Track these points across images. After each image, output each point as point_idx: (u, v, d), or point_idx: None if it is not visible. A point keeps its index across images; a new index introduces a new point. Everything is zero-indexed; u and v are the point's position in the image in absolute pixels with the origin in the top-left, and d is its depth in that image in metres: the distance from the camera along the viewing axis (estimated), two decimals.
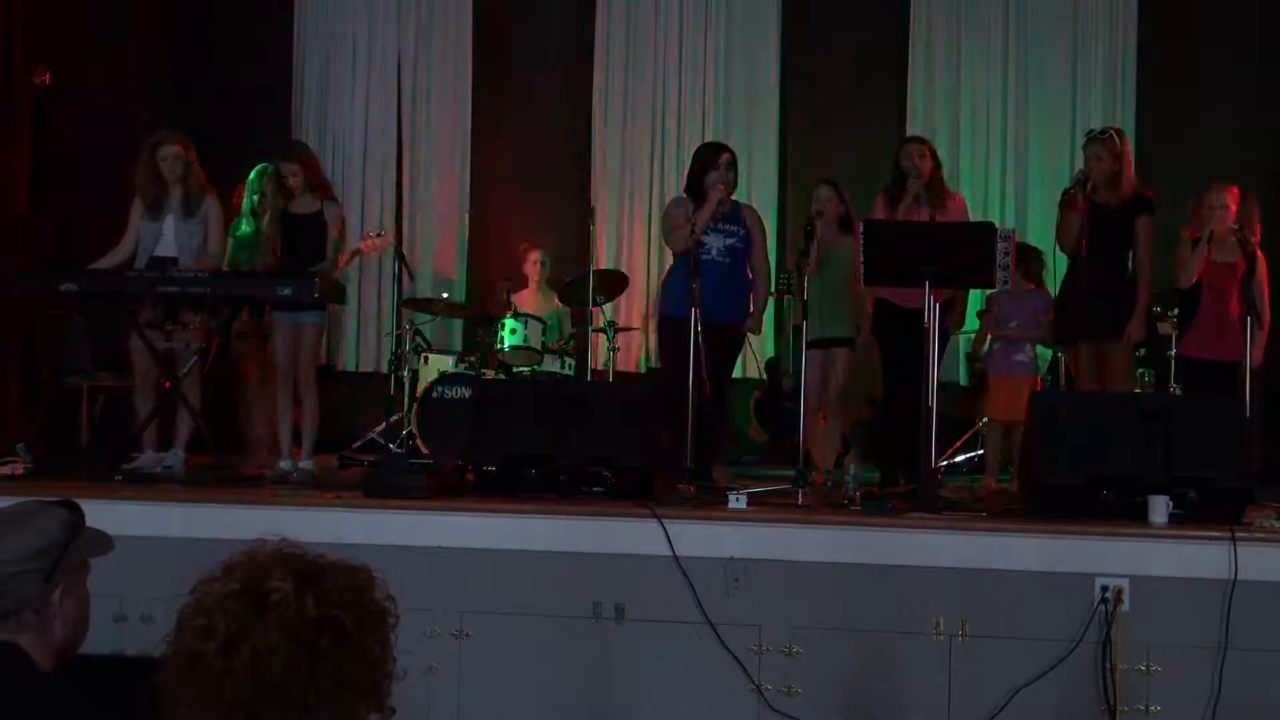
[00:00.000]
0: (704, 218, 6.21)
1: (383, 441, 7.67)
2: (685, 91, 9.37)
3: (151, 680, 1.67)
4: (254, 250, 6.85)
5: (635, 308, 9.13)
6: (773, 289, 7.15)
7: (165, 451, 6.09)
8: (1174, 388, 7.20)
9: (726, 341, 6.32)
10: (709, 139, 8.36)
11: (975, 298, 7.53)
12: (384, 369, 8.36)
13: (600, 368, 8.39)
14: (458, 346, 8.98)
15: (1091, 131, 6.51)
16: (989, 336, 6.98)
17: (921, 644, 4.70)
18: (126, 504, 5.09)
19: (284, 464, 6.31)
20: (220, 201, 6.45)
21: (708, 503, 5.29)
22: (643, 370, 9.05)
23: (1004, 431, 6.65)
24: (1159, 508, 4.74)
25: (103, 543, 2.34)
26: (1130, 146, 6.33)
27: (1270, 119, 8.90)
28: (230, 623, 1.61)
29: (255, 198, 6.99)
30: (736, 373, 7.09)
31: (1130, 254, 6.22)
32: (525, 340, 7.60)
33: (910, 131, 8.83)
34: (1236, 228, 6.09)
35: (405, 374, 7.74)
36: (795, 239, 6.81)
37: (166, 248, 6.17)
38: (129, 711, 1.84)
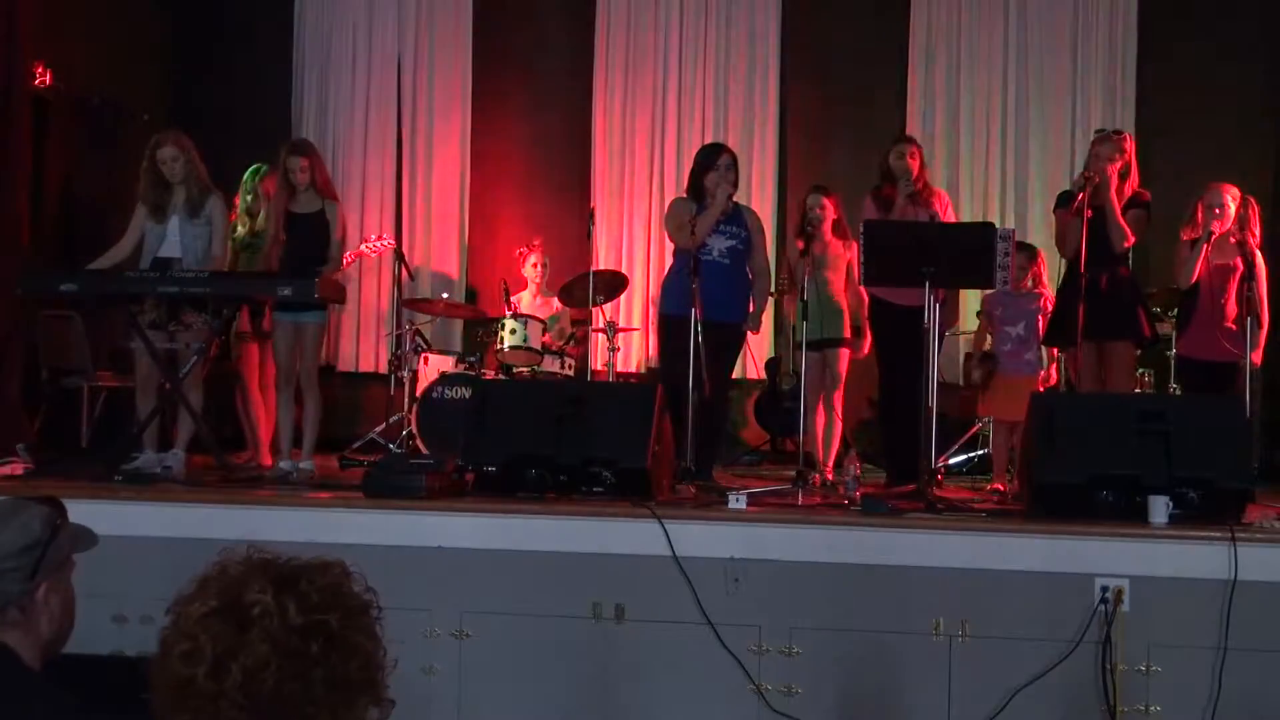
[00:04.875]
0: (708, 223, 6.20)
1: (383, 441, 7.68)
2: (685, 91, 9.37)
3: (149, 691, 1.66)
4: (251, 251, 6.85)
5: (635, 308, 9.13)
6: (773, 289, 7.15)
7: (165, 451, 6.08)
8: (1174, 388, 7.20)
9: (726, 342, 6.32)
10: (709, 139, 8.37)
11: (973, 296, 7.53)
12: (384, 369, 8.36)
13: (600, 368, 8.39)
14: (458, 346, 8.97)
15: (1102, 130, 6.52)
16: (986, 335, 6.98)
17: (921, 644, 4.70)
18: (126, 504, 5.09)
19: (284, 464, 6.30)
20: (225, 201, 6.44)
21: (708, 503, 5.29)
22: (643, 370, 9.05)
23: (1009, 431, 6.63)
24: (1159, 508, 4.73)
25: (86, 538, 2.34)
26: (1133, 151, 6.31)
27: (1270, 119, 8.90)
28: (216, 643, 1.59)
29: (249, 198, 6.99)
30: (736, 373, 7.09)
31: (1129, 258, 6.22)
32: (525, 341, 7.60)
33: (911, 132, 8.84)
34: (1235, 228, 6.09)
35: (405, 374, 7.74)
36: (791, 242, 6.81)
37: (171, 249, 6.17)
38: (129, 712, 1.83)
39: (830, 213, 6.72)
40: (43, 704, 2.12)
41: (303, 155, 6.39)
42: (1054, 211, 6.46)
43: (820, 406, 6.67)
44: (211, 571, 1.67)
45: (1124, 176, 6.13)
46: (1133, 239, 6.14)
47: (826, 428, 6.74)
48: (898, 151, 6.54)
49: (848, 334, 6.75)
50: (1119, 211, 6.03)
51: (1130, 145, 6.25)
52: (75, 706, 2.11)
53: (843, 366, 6.73)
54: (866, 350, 6.76)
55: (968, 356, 7.86)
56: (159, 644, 1.64)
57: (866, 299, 6.60)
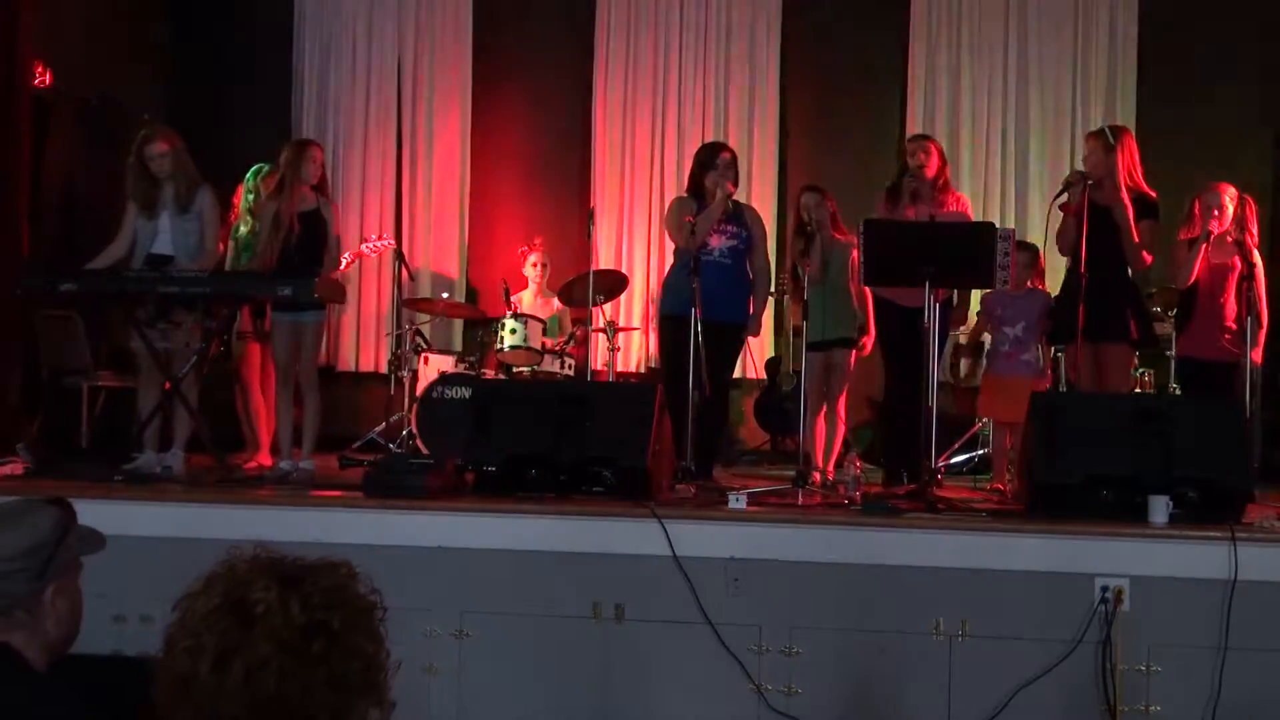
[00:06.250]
0: (709, 222, 6.20)
1: (383, 441, 7.68)
2: (685, 91, 9.37)
3: (149, 689, 1.66)
4: (253, 250, 6.84)
5: (635, 308, 9.14)
6: (773, 289, 7.15)
7: (165, 451, 6.08)
8: (1173, 388, 7.20)
9: (727, 341, 6.32)
10: (709, 139, 8.37)
11: (977, 295, 7.53)
12: (384, 369, 8.36)
13: (600, 368, 8.39)
14: (458, 346, 8.98)
15: (1097, 129, 6.52)
16: (984, 333, 6.98)
17: (921, 644, 4.70)
18: (126, 504, 5.09)
19: (284, 464, 6.30)
20: (217, 196, 6.39)
21: (708, 503, 5.29)
22: (643, 370, 9.06)
23: (1009, 431, 6.63)
24: (1159, 508, 4.73)
25: (94, 540, 2.34)
26: (1133, 147, 6.24)
27: (1270, 119, 8.90)
28: (219, 640, 1.60)
29: (251, 197, 6.99)
30: (736, 373, 7.09)
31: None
32: (525, 340, 7.60)
33: (910, 131, 8.83)
34: (1234, 228, 6.08)
35: (405, 374, 7.74)
36: (793, 243, 6.80)
37: (163, 245, 6.13)
38: (127, 712, 1.84)
39: (825, 212, 6.70)
40: (47, 705, 2.12)
41: (318, 147, 6.48)
42: (1058, 207, 6.43)
43: (822, 407, 6.65)
44: (219, 570, 1.67)
45: (1114, 174, 6.06)
46: (1150, 259, 6.13)
47: (829, 430, 6.71)
48: (910, 149, 6.55)
49: (853, 334, 6.73)
50: (1134, 230, 6.00)
51: (1123, 140, 6.18)
52: (79, 707, 2.11)
53: (848, 367, 6.71)
54: (869, 349, 6.74)
55: (956, 348, 7.85)
56: (164, 640, 1.65)
57: (870, 298, 6.60)
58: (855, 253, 6.56)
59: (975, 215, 8.66)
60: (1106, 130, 6.30)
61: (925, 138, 6.84)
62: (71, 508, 2.33)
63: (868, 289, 6.54)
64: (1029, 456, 5.17)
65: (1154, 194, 6.17)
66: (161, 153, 6.10)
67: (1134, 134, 7.01)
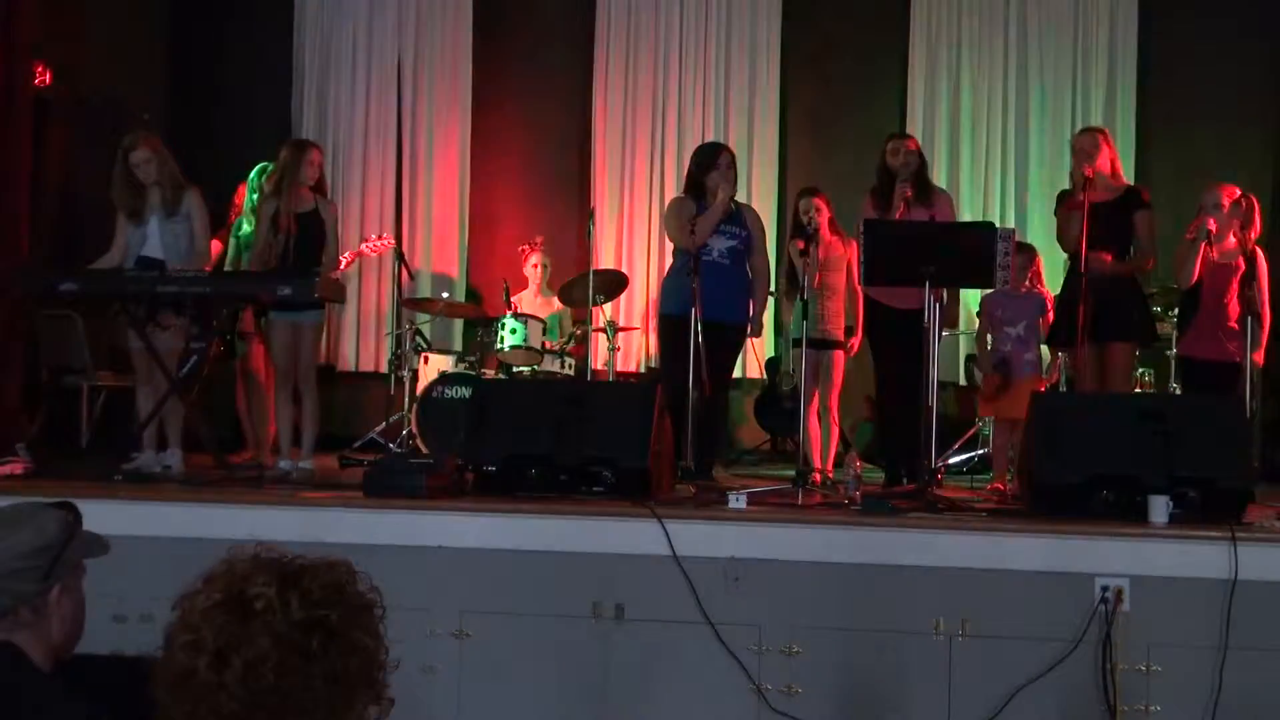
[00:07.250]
0: (710, 223, 6.20)
1: (383, 441, 7.68)
2: (685, 91, 9.38)
3: (149, 688, 1.66)
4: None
5: (635, 308, 9.14)
6: (772, 289, 7.15)
7: (164, 451, 6.08)
8: (1174, 388, 7.19)
9: (726, 341, 6.32)
10: (709, 139, 8.37)
11: (973, 296, 7.53)
12: (384, 369, 8.36)
13: (600, 368, 8.39)
14: (458, 346, 8.99)
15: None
16: (988, 335, 6.97)
17: (921, 644, 4.70)
18: (126, 504, 5.08)
19: (284, 464, 6.30)
20: (210, 196, 6.38)
21: (708, 503, 5.29)
22: (643, 370, 9.06)
23: (1009, 431, 6.62)
24: (1159, 508, 4.73)
25: (99, 544, 2.37)
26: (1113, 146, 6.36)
27: (1270, 119, 8.90)
28: (218, 636, 1.61)
29: (255, 196, 6.98)
30: (736, 373, 7.08)
31: (1131, 251, 6.21)
32: (525, 340, 7.60)
33: (911, 132, 8.83)
34: (1237, 228, 6.08)
35: (405, 374, 7.75)
36: (789, 247, 6.80)
37: (153, 249, 6.10)
38: (127, 711, 1.84)
39: (825, 212, 6.70)
40: (53, 705, 2.13)
41: (317, 148, 6.46)
42: (1055, 213, 6.46)
43: (816, 408, 6.65)
44: (219, 568, 1.68)
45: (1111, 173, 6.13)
46: (1154, 260, 6.22)
47: (824, 433, 6.70)
48: (892, 149, 6.55)
49: (843, 335, 6.74)
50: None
51: (1106, 140, 6.26)
52: (83, 707, 2.11)
53: (839, 368, 6.72)
54: (856, 349, 6.74)
55: (970, 358, 7.85)
56: (164, 637, 1.65)
57: (861, 299, 6.60)
58: (849, 255, 6.58)
59: (975, 215, 8.75)
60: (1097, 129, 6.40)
61: (906, 136, 6.87)
62: (77, 511, 2.35)
63: (859, 289, 6.54)
64: (1029, 456, 5.17)
65: (1146, 192, 6.29)
66: (146, 158, 6.08)
67: (1135, 133, 7.05)
